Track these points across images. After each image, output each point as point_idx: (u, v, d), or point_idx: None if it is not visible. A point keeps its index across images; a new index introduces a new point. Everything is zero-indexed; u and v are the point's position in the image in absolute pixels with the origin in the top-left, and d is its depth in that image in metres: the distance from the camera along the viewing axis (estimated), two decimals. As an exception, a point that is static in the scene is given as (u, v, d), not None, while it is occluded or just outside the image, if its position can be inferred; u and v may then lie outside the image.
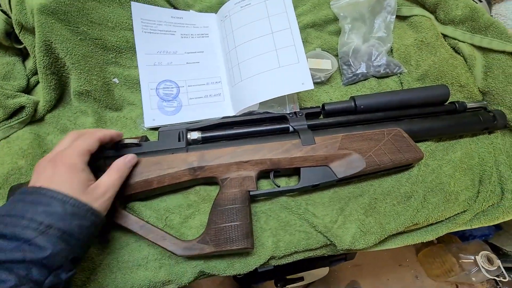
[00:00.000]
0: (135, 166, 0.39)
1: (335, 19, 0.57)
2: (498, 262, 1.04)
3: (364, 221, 0.42)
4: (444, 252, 1.24)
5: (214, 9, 0.56)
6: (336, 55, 0.56)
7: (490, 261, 1.04)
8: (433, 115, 0.47)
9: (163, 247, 0.37)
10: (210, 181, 0.43)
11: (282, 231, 0.41)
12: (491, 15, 0.56)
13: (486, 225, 0.45)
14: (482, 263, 1.04)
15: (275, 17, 0.49)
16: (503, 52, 0.47)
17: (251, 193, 0.40)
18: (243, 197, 0.39)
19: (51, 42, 0.42)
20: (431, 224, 0.45)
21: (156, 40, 0.51)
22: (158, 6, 0.52)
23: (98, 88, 0.47)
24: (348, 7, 0.55)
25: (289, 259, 0.42)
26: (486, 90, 0.49)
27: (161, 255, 0.39)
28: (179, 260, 0.39)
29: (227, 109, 0.51)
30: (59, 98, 0.47)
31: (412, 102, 0.47)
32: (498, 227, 1.29)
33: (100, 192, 0.33)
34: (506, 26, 0.54)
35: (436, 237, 0.45)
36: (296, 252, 0.41)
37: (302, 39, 0.55)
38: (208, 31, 0.55)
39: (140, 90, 0.49)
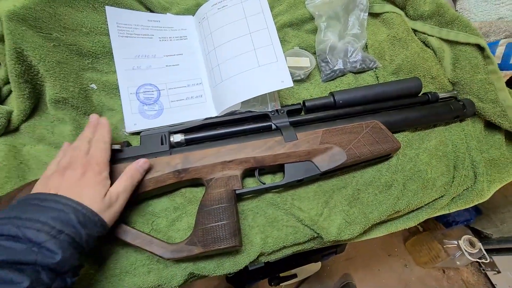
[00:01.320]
0: (118, 172, 0.39)
1: (311, 18, 0.58)
2: (479, 245, 1.09)
3: (348, 212, 0.43)
4: (430, 239, 1.29)
5: (191, 11, 0.56)
6: (314, 53, 0.57)
7: (472, 244, 1.09)
8: (408, 106, 0.49)
9: (150, 252, 0.36)
10: (196, 182, 0.43)
11: (269, 227, 0.42)
12: (456, 10, 0.59)
13: (462, 208, 0.47)
14: (464, 246, 1.09)
15: (252, 17, 0.50)
16: (468, 44, 0.50)
17: (237, 191, 0.41)
18: (229, 196, 0.39)
19: (22, 50, 0.41)
20: (412, 211, 0.47)
21: (133, 44, 0.51)
22: (134, 9, 0.52)
23: (75, 95, 0.45)
24: (323, 6, 0.56)
25: (278, 255, 0.42)
26: (455, 80, 0.52)
27: (149, 260, 0.39)
28: (168, 263, 0.39)
29: (209, 110, 0.51)
30: (34, 107, 0.46)
31: (387, 95, 0.49)
32: (478, 211, 1.35)
33: (111, 201, 0.33)
34: (471, 20, 0.57)
35: (418, 223, 0.47)
36: (284, 247, 0.42)
37: (280, 38, 0.56)
38: (187, 34, 0.55)
39: (119, 95, 0.48)
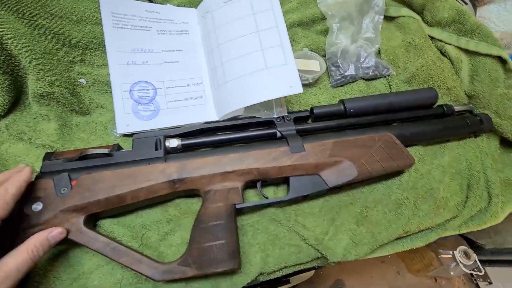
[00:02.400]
0: (103, 180, 0.35)
1: (322, 18, 0.54)
2: (474, 256, 1.08)
3: (355, 231, 0.40)
4: (424, 247, 1.28)
5: (194, 3, 0.52)
6: (324, 56, 0.53)
7: (467, 255, 1.08)
8: (422, 118, 0.46)
9: (139, 272, 0.33)
10: (192, 193, 0.39)
11: (271, 246, 0.38)
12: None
13: (474, 230, 0.45)
14: (460, 257, 1.07)
15: (261, 14, 0.46)
16: (489, 55, 0.47)
17: (237, 206, 0.37)
18: (228, 212, 0.36)
19: (2, 37, 0.36)
20: (421, 231, 0.44)
21: (129, 37, 0.46)
22: (132, -1, 0.47)
23: (61, 90, 0.41)
24: (336, 5, 0.52)
25: (278, 274, 0.39)
26: (472, 93, 0.49)
27: (137, 278, 0.35)
28: (158, 284, 0.35)
29: (209, 113, 0.47)
30: (15, 101, 0.41)
31: (401, 105, 0.46)
32: (473, 221, 1.34)
33: None
34: (492, 30, 0.54)
35: (427, 243, 0.44)
36: (286, 267, 0.39)
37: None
38: (188, 28, 0.51)
39: (111, 92, 0.44)
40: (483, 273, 1.04)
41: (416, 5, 0.53)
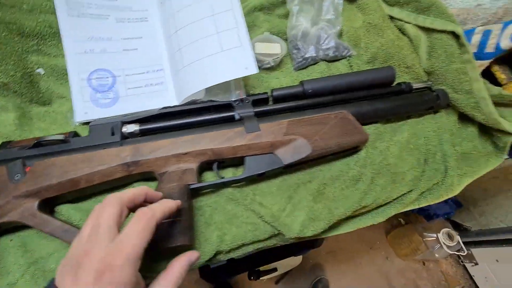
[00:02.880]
0: (57, 165, 0.35)
1: (284, 2, 0.54)
2: (457, 237, 1.10)
3: (312, 208, 0.41)
4: (411, 232, 1.30)
5: (153, -9, 0.52)
6: (286, 39, 0.54)
7: (450, 237, 1.10)
8: (380, 96, 0.47)
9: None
10: (148, 176, 0.40)
11: (228, 224, 0.39)
12: (435, -4, 0.56)
13: (432, 203, 0.46)
14: (443, 239, 1.09)
15: (217, -2, 0.46)
16: (444, 31, 0.47)
17: (192, 186, 0.38)
18: (182, 192, 0.36)
19: (-51, 27, 0.36)
20: (380, 206, 0.45)
21: (86, 25, 0.46)
22: (86, -13, 0.47)
23: (17, 80, 0.41)
24: (296, -12, 0.52)
25: (238, 252, 0.40)
26: (430, 70, 0.50)
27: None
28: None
29: (170, 99, 0.47)
30: (-30, 92, 0.41)
31: (359, 84, 0.47)
32: (458, 204, 1.37)
33: None
34: (449, 6, 0.54)
35: (386, 218, 0.45)
36: (244, 245, 0.40)
37: (250, 23, 0.52)
38: (148, 15, 0.51)
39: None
40: (465, 253, 1.06)
41: (375, -15, 0.53)
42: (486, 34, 0.46)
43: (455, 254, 1.09)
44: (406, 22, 0.52)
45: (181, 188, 0.37)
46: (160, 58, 0.49)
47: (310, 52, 0.51)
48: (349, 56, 0.52)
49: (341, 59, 0.53)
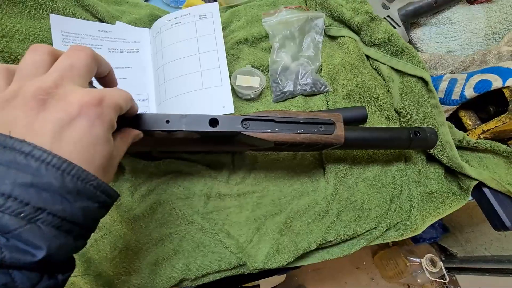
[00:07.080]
0: None
1: (267, 37, 0.58)
2: (440, 264, 1.10)
3: (278, 240, 0.43)
4: (397, 254, 1.30)
5: (144, 21, 0.55)
6: (268, 72, 0.56)
7: (433, 263, 1.11)
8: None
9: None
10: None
11: (195, 253, 0.41)
12: (411, 39, 0.59)
13: (396, 239, 0.47)
14: (426, 265, 1.10)
15: (204, 38, 0.50)
16: (414, 76, 0.50)
17: None
18: None
19: None
20: (346, 241, 0.47)
21: (77, 54, 0.49)
22: (78, 17, 0.50)
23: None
24: (279, 25, 0.56)
25: (204, 280, 0.42)
26: (401, 110, 0.52)
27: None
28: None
29: (152, 127, 0.50)
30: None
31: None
32: (445, 229, 1.37)
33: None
34: (422, 50, 0.57)
35: (351, 252, 0.47)
36: (209, 274, 0.41)
37: (234, 55, 0.56)
38: (140, 46, 0.54)
39: (57, 107, 0.47)
40: (447, 280, 1.06)
41: (354, 27, 0.56)
42: (452, 82, 0.48)
43: (436, 281, 1.10)
44: (381, 63, 0.54)
45: None
46: (146, 88, 0.52)
47: (289, 87, 0.54)
48: (326, 91, 0.55)
49: (318, 94, 0.55)
